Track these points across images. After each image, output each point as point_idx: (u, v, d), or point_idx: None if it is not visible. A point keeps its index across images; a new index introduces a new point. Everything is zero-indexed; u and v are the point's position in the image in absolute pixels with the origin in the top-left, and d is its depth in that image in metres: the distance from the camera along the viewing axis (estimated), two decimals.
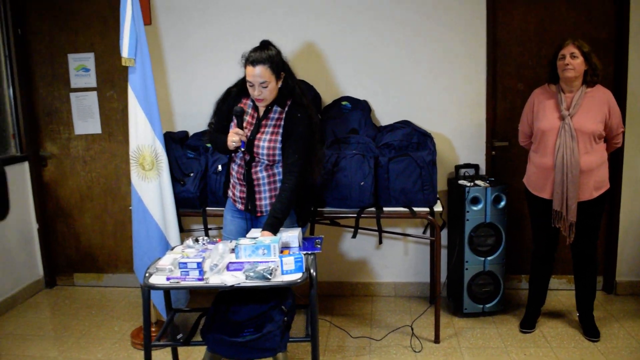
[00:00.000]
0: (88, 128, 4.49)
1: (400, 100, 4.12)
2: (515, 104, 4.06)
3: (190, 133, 4.12)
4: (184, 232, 3.86)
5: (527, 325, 3.70)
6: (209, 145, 3.73)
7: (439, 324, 3.57)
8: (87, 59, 4.42)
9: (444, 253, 4.17)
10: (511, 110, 4.09)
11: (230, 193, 3.17)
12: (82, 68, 4.44)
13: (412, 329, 3.72)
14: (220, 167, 3.57)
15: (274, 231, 2.76)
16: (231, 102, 3.09)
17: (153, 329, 3.61)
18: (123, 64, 3.41)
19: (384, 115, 4.13)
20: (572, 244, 3.48)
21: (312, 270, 2.51)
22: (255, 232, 2.79)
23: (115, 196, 4.55)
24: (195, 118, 4.14)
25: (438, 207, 3.56)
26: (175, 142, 3.82)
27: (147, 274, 2.50)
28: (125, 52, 3.38)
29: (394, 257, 4.32)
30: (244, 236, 2.78)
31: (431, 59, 4.06)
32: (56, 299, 4.48)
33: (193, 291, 3.95)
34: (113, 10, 4.17)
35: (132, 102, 3.42)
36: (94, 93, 4.44)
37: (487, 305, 3.88)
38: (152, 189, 3.45)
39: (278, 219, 2.79)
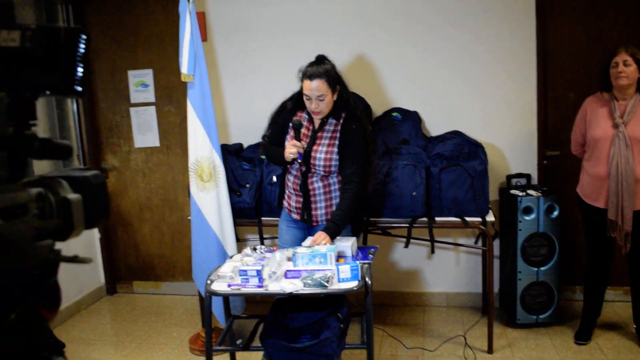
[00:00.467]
0: (147, 141, 4.68)
1: (450, 110, 4.14)
2: (566, 112, 4.03)
3: (245, 145, 4.24)
4: (239, 241, 3.97)
5: (583, 337, 3.65)
6: (263, 157, 3.84)
7: (492, 335, 3.56)
8: (146, 75, 4.60)
9: (496, 263, 4.16)
10: (563, 119, 4.07)
11: (285, 203, 3.27)
12: (141, 84, 4.63)
13: (465, 339, 3.73)
14: (275, 178, 3.67)
15: (332, 235, 2.84)
16: (286, 116, 3.20)
17: None
18: (182, 79, 3.57)
19: (434, 126, 4.17)
20: (628, 254, 3.43)
21: (367, 279, 2.57)
22: (310, 240, 2.87)
23: (173, 207, 4.71)
24: (249, 130, 4.26)
25: (490, 217, 3.57)
26: (230, 154, 3.95)
27: (208, 281, 2.61)
28: (184, 68, 3.53)
29: (446, 267, 4.34)
30: (299, 245, 2.87)
31: (481, 69, 4.08)
32: (117, 305, 4.67)
33: (248, 299, 4.06)
34: (170, 28, 4.35)
35: (191, 116, 3.56)
36: (153, 108, 4.63)
37: (541, 316, 3.85)
38: (210, 200, 3.58)
39: (337, 225, 2.88)
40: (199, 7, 4.21)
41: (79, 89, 0.93)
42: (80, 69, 0.93)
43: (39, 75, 0.89)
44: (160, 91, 4.60)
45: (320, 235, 2.80)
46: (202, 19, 4.29)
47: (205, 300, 2.60)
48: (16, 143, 0.88)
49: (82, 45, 0.93)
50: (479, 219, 3.54)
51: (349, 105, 3.13)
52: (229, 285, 2.52)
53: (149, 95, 4.62)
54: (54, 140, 0.94)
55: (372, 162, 3.17)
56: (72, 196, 0.91)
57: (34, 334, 0.85)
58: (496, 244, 4.08)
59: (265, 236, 3.94)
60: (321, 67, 3.00)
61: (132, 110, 4.66)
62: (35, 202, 0.85)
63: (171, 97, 4.58)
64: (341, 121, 3.10)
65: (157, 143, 4.66)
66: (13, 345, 0.82)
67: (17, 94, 0.89)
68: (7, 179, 0.85)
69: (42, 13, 4.78)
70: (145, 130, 4.67)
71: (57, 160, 0.94)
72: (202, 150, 3.57)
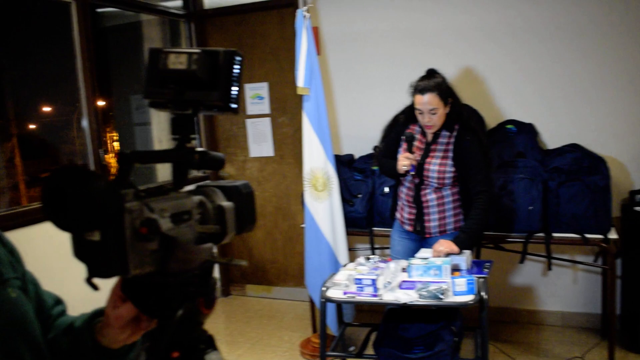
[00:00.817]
0: (262, 151, 4.87)
1: (568, 122, 3.99)
2: None
3: (356, 156, 4.30)
4: (349, 250, 4.03)
5: None
6: (375, 168, 3.89)
7: (613, 359, 3.38)
8: (262, 88, 4.81)
9: (617, 283, 3.94)
10: None
11: (397, 215, 3.30)
12: (257, 96, 4.84)
13: None
14: (387, 189, 3.71)
15: (462, 246, 2.85)
16: (399, 129, 3.23)
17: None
18: (298, 92, 3.69)
19: (551, 139, 4.03)
20: None
21: (483, 293, 2.54)
22: (425, 252, 2.88)
23: (285, 214, 4.87)
24: (360, 142, 4.33)
25: (612, 235, 3.40)
26: (343, 164, 4.03)
27: (324, 288, 2.68)
28: (300, 82, 3.66)
29: (562, 285, 4.16)
30: (411, 256, 2.89)
31: (600, 79, 3.89)
32: (231, 307, 4.88)
33: (358, 307, 4.12)
34: (285, 43, 4.52)
35: (306, 127, 3.68)
36: (268, 119, 4.82)
37: None
38: (324, 209, 3.67)
39: (466, 234, 2.90)
40: (313, 21, 4.34)
41: (234, 106, 1.01)
42: (235, 88, 1.01)
43: (200, 94, 0.98)
44: (275, 103, 4.78)
45: (440, 242, 2.81)
46: (316, 34, 4.42)
47: (321, 307, 2.67)
48: (179, 155, 0.98)
49: (237, 66, 1.01)
50: (600, 236, 3.38)
51: (462, 117, 3.12)
52: (345, 293, 2.59)
53: (264, 107, 4.82)
54: (210, 152, 1.03)
55: (489, 173, 3.14)
56: (226, 204, 0.99)
57: (194, 328, 0.94)
58: (618, 263, 3.87)
59: (375, 246, 3.98)
60: (432, 81, 3.02)
61: (248, 121, 4.88)
62: (197, 208, 0.93)
63: (285, 109, 4.75)
64: (454, 133, 3.09)
65: (271, 153, 4.84)
66: (179, 338, 0.91)
67: (180, 111, 0.98)
68: (172, 187, 0.95)
69: (167, 30, 5.14)
70: (260, 141, 4.87)
71: (212, 170, 1.03)
72: (316, 161, 3.67)
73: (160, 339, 0.92)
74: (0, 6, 4.93)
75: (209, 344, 0.98)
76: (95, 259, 0.81)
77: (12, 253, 1.20)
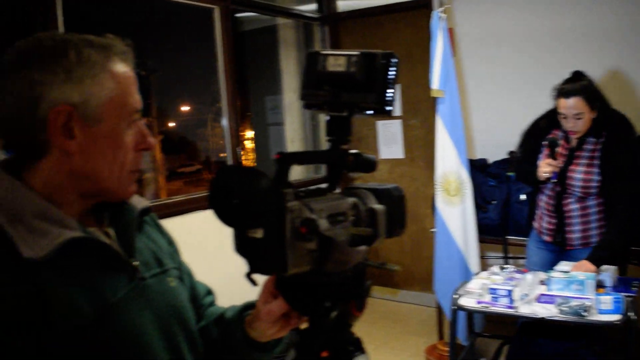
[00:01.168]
0: (392, 153, 4.85)
1: None
2: None
3: (490, 161, 4.16)
4: (481, 258, 3.90)
5: None
6: (510, 174, 3.73)
7: None
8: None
9: None
10: None
11: (535, 224, 3.14)
12: None
13: None
14: (523, 196, 3.55)
15: (598, 263, 2.66)
16: (540, 134, 3.08)
17: (446, 349, 3.71)
18: (433, 95, 3.64)
19: None
20: None
21: (631, 314, 2.35)
22: (565, 265, 2.72)
23: (414, 218, 4.81)
24: (494, 146, 4.16)
25: None
26: (476, 169, 3.91)
27: (455, 296, 2.62)
28: (435, 84, 3.60)
29: None
30: (549, 268, 2.74)
31: None
32: None
33: (487, 318, 3.97)
34: (419, 45, 4.45)
35: (440, 130, 3.62)
36: (399, 121, 4.79)
37: None
38: (456, 214, 3.58)
39: (603, 250, 2.69)
40: (449, 22, 4.23)
41: (389, 108, 1.00)
42: (390, 91, 1.00)
43: (356, 96, 0.98)
44: (406, 105, 4.74)
45: (579, 265, 2.63)
46: (452, 35, 4.32)
47: (451, 314, 2.61)
48: (334, 157, 0.99)
49: (393, 69, 1.00)
50: None
51: (610, 123, 2.91)
52: (478, 302, 2.51)
53: (396, 109, 4.79)
54: (363, 154, 1.03)
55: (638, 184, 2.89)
56: (378, 207, 0.99)
57: (345, 330, 0.94)
58: None
59: (508, 255, 3.82)
60: (578, 84, 2.85)
61: (379, 123, 4.88)
62: (351, 210, 0.94)
63: (417, 111, 4.69)
64: (602, 140, 2.89)
65: (401, 155, 4.81)
66: (329, 338, 0.92)
67: (336, 113, 0.99)
68: (327, 189, 0.96)
69: (301, 33, 5.27)
70: (390, 143, 4.85)
71: (364, 173, 1.03)
72: (449, 165, 3.60)
73: (314, 338, 0.94)
74: (150, 13, 5.30)
75: (357, 346, 0.99)
76: (256, 256, 0.83)
77: (171, 244, 1.28)
